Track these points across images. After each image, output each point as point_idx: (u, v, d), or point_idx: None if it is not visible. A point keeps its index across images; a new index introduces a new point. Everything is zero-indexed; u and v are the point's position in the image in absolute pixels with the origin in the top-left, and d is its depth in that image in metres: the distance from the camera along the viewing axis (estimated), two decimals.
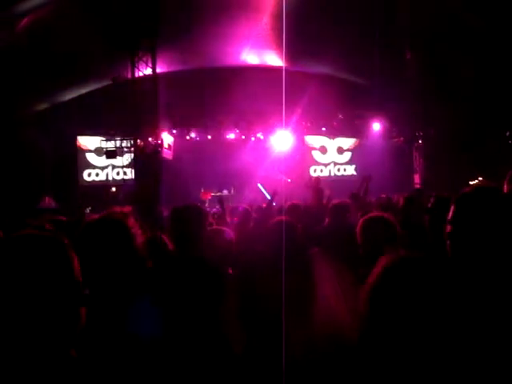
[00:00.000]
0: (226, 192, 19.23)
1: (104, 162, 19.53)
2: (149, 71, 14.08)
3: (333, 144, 23.27)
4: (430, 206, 3.93)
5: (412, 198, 5.76)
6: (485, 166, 14.80)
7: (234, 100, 16.93)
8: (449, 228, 2.09)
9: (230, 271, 3.77)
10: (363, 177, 12.53)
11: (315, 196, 7.95)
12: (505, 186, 3.56)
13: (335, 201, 5.52)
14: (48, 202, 14.39)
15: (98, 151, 18.99)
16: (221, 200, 7.95)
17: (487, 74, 14.66)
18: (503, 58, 13.91)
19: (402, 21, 14.38)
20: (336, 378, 2.68)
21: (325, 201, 6.83)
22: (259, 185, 13.66)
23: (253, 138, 21.32)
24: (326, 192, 10.52)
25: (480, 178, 14.00)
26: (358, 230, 3.44)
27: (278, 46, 16.34)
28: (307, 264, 3.61)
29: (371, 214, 3.66)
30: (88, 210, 15.84)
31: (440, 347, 1.63)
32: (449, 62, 15.31)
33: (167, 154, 18.27)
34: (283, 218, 4.04)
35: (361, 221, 3.51)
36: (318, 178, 13.43)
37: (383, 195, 11.75)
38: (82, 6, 13.27)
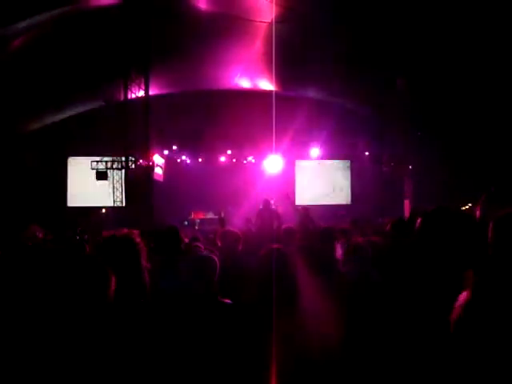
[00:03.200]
0: (214, 216, 19.24)
1: (94, 183, 19.45)
2: (141, 93, 14.15)
3: (324, 168, 23.34)
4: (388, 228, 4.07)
5: (399, 221, 5.78)
6: (475, 192, 14.87)
7: (225, 123, 17.02)
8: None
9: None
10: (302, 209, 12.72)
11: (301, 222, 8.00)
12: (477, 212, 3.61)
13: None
14: (33, 230, 14.02)
15: (89, 172, 18.94)
16: (222, 221, 7.99)
17: (479, 100, 14.85)
18: (492, 85, 14.11)
19: (394, 49, 14.59)
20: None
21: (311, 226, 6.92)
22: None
23: (244, 162, 21.43)
24: (312, 222, 10.64)
25: (470, 204, 14.05)
26: (344, 254, 3.50)
27: (270, 71, 16.50)
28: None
29: (357, 240, 3.71)
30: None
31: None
32: (439, 89, 15.50)
33: (158, 176, 18.28)
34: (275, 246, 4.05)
35: (348, 245, 3.57)
36: (306, 208, 13.59)
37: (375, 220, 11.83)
38: (77, 28, 13.36)
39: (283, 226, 7.93)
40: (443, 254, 2.07)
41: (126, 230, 2.68)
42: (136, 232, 2.67)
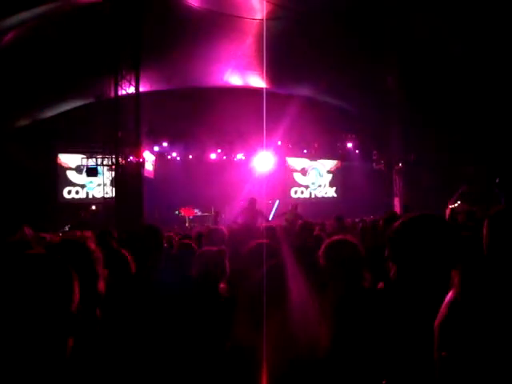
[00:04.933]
0: (204, 213, 19.27)
1: (84, 179, 19.39)
2: (132, 90, 14.10)
3: (314, 166, 23.41)
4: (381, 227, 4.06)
5: (391, 219, 5.81)
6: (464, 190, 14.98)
7: (216, 120, 17.01)
8: (386, 252, 2.21)
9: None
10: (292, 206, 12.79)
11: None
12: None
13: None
14: (26, 231, 13.96)
15: (79, 169, 18.87)
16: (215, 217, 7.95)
17: (468, 99, 14.94)
18: (483, 82, 14.20)
19: (385, 46, 14.64)
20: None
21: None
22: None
23: (235, 159, 21.46)
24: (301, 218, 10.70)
25: (458, 202, 14.14)
26: (320, 251, 3.49)
27: (261, 68, 16.52)
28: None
29: (334, 237, 3.70)
30: (67, 228, 15.68)
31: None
32: (429, 87, 15.57)
33: (148, 173, 18.24)
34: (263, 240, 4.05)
35: (325, 243, 3.57)
36: (295, 205, 13.64)
37: (366, 218, 11.85)
38: (67, 24, 13.30)
39: (264, 224, 8.00)
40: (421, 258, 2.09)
41: (78, 234, 2.37)
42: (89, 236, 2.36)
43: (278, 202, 11.94)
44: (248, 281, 3.63)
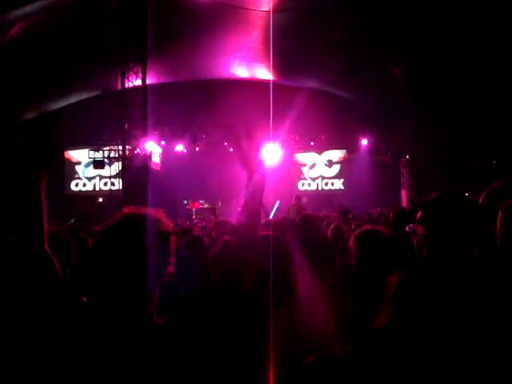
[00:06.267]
0: (211, 205, 19.24)
1: (92, 172, 19.42)
2: (139, 82, 14.07)
3: (321, 158, 23.32)
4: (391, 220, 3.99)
5: (402, 211, 5.79)
6: (471, 182, 14.88)
7: (222, 112, 16.96)
8: (420, 230, 2.12)
9: None
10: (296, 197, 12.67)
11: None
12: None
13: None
14: None
15: (86, 162, 18.90)
16: (214, 211, 7.95)
17: (475, 90, 14.83)
18: (491, 73, 14.09)
19: (392, 37, 14.55)
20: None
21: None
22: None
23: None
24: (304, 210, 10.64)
25: (466, 194, 14.01)
26: (351, 242, 3.44)
27: (268, 60, 16.46)
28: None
29: (365, 227, 3.65)
30: (72, 221, 15.69)
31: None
32: (436, 78, 15.47)
33: (155, 165, 18.23)
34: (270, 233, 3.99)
35: (355, 233, 3.52)
36: (298, 197, 13.54)
37: (374, 209, 11.81)
38: (73, 16, 13.27)
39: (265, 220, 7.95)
40: (451, 240, 1.99)
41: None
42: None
43: (278, 202, 11.71)
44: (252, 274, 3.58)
